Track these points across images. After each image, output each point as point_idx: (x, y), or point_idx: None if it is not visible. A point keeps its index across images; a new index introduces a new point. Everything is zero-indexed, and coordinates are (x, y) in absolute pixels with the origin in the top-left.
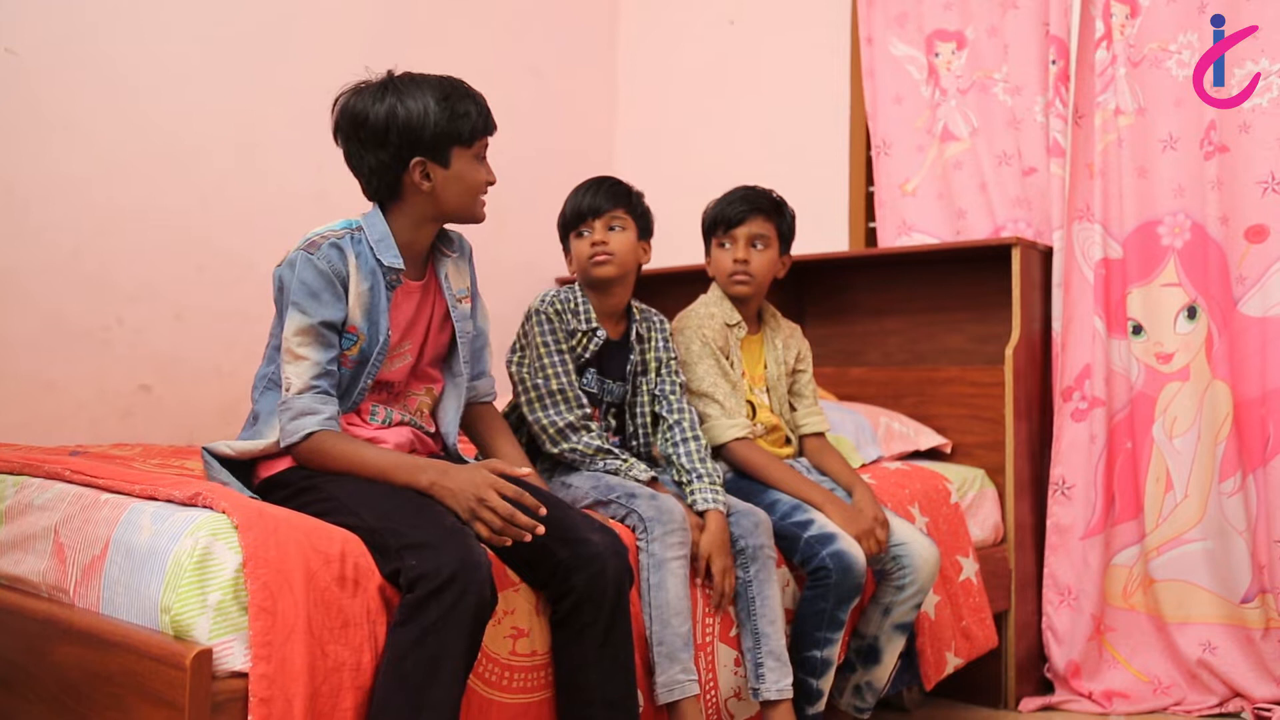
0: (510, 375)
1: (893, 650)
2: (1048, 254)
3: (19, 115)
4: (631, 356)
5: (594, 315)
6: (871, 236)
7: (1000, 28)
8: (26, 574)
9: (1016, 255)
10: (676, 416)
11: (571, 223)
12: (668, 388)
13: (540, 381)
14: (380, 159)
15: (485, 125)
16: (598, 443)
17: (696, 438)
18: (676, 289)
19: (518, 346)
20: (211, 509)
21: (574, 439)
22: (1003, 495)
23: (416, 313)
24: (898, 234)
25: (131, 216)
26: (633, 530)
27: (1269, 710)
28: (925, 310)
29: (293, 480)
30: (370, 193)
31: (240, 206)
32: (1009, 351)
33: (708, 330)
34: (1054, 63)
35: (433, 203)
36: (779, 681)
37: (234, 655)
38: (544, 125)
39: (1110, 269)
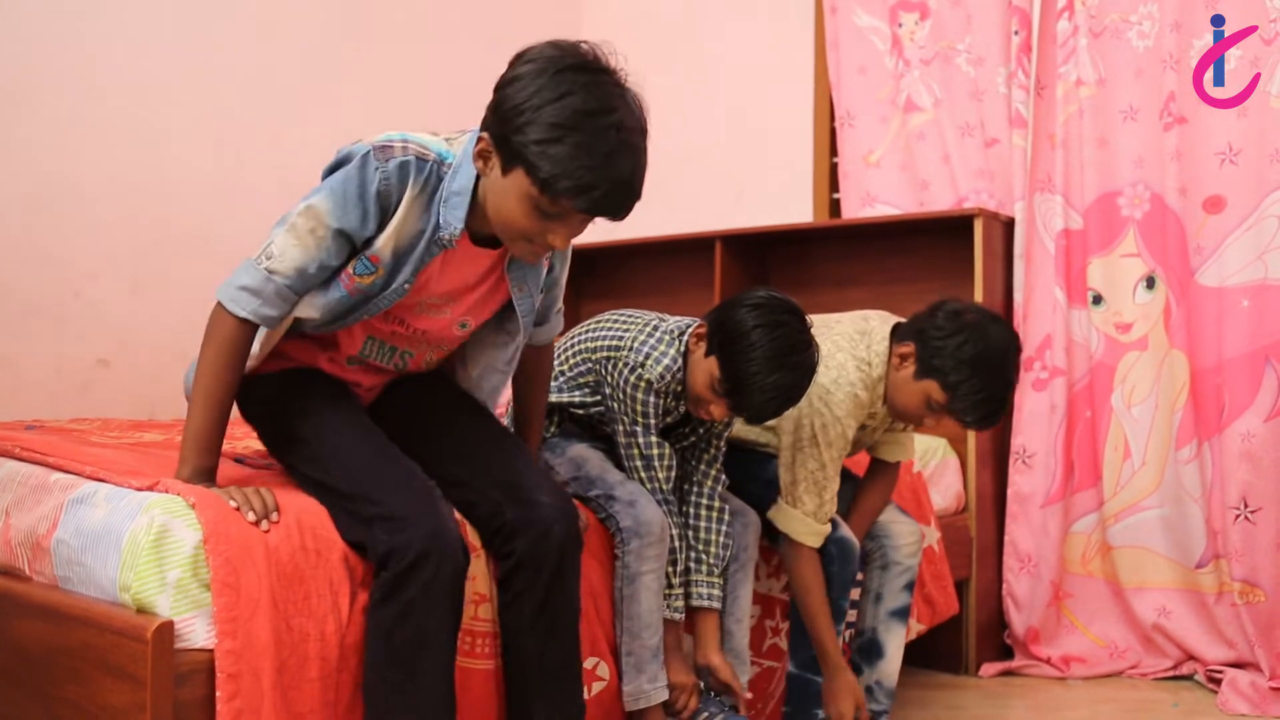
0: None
1: (895, 642)
2: (1010, 225)
3: None
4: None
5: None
6: (835, 207)
7: None
8: None
9: (978, 226)
10: (710, 486)
11: None
12: (712, 452)
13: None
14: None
15: (559, 188)
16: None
17: (720, 518)
18: (641, 259)
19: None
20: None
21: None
22: (964, 464)
23: (480, 280)
24: (861, 205)
25: (86, 189)
26: (610, 533)
27: (1221, 672)
28: (889, 281)
29: (272, 393)
30: None
31: (198, 178)
32: None
33: (853, 429)
34: (1016, 33)
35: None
36: (738, 678)
37: (196, 632)
38: None
39: (1071, 239)
